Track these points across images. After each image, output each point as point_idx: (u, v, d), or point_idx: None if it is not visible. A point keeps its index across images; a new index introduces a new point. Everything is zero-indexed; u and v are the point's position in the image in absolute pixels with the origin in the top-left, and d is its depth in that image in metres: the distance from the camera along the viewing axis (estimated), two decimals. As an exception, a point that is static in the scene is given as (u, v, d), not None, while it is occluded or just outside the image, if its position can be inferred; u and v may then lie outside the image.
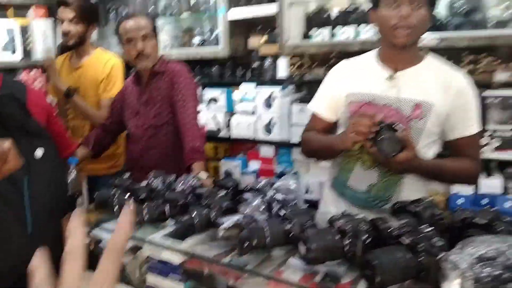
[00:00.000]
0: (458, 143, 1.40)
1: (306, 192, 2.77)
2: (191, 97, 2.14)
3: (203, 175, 1.85)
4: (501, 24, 2.06)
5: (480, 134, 1.41)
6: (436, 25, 2.22)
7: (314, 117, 1.62)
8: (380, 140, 1.23)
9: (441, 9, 2.31)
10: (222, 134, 3.11)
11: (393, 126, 1.24)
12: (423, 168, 1.35)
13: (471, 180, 1.51)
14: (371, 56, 1.50)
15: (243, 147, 3.31)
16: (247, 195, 1.49)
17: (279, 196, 1.40)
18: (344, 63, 1.56)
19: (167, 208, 1.47)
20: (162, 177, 1.72)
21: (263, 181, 1.62)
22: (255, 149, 3.16)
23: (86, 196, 1.93)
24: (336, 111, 1.56)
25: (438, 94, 1.36)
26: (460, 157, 1.40)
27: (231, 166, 3.10)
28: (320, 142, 1.53)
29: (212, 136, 3.19)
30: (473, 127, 1.38)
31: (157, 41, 2.22)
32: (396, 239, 0.98)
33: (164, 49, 3.36)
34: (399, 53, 1.38)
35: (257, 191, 1.54)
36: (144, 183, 1.67)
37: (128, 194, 1.60)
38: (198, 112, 2.17)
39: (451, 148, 1.44)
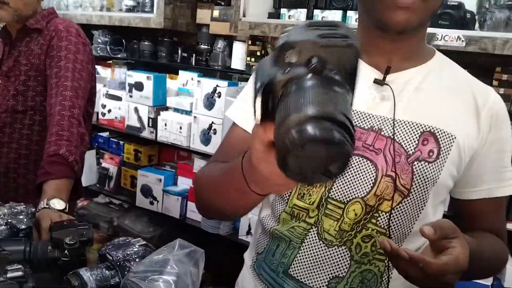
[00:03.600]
0: (480, 207, 0.86)
1: (248, 232, 1.99)
2: (72, 73, 1.40)
3: (57, 204, 1.13)
4: None
5: None
6: (461, 19, 1.48)
7: (231, 133, 0.88)
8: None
9: (469, 1, 1.58)
10: (145, 134, 2.28)
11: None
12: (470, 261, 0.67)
13: (500, 268, 0.96)
14: None
15: (176, 156, 2.50)
16: (84, 274, 0.82)
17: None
18: None
19: None
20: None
21: (133, 245, 0.84)
22: (188, 161, 2.35)
23: None
24: None
25: (462, 119, 0.80)
26: (483, 233, 0.86)
27: (152, 181, 2.27)
28: (213, 175, 0.77)
29: (133, 136, 2.36)
30: (510, 184, 0.85)
31: None
32: None
33: (84, 10, 2.50)
34: (392, 42, 0.79)
35: (111, 268, 0.78)
36: None
37: None
38: (81, 99, 1.39)
39: (462, 211, 0.89)
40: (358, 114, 0.79)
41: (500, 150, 0.82)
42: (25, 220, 1.00)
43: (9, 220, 0.99)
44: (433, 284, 0.64)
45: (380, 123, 0.78)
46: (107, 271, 0.82)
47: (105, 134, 2.59)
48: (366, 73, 0.80)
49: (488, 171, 0.82)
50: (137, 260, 0.84)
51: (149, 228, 2.28)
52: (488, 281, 1.42)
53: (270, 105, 0.44)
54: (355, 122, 0.79)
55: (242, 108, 0.87)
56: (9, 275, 0.71)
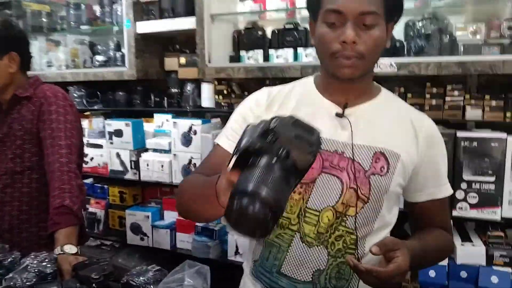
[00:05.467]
0: (426, 207, 1.10)
1: (236, 252, 2.17)
2: (65, 132, 1.57)
3: (70, 249, 1.30)
4: (473, 48, 1.65)
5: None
6: (393, 48, 1.78)
7: (213, 152, 1.11)
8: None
9: (398, 31, 1.88)
10: (129, 176, 2.45)
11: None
12: (414, 260, 0.93)
13: (446, 256, 1.25)
14: (307, 84, 1.11)
15: (159, 192, 2.67)
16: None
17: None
18: (269, 91, 1.12)
19: None
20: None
21: (149, 271, 1.03)
22: (172, 196, 2.53)
23: None
24: None
25: (404, 141, 1.04)
26: (431, 229, 1.10)
27: (140, 218, 2.43)
28: (192, 187, 0.96)
29: (117, 179, 2.53)
30: (447, 187, 1.10)
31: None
32: None
33: (59, 68, 2.68)
34: (346, 84, 1.03)
35: None
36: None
37: None
38: (75, 154, 1.56)
39: (414, 212, 1.13)
40: (325, 140, 1.01)
41: (437, 163, 1.07)
42: (49, 265, 1.17)
43: (37, 268, 1.15)
44: (387, 285, 0.88)
45: (342, 147, 1.01)
46: (133, 295, 1.01)
47: (89, 180, 2.73)
48: (329, 108, 1.04)
49: (429, 179, 1.07)
50: (154, 282, 1.03)
51: (143, 262, 2.43)
52: (445, 262, 1.68)
53: (242, 161, 0.61)
54: (323, 146, 1.01)
55: (227, 135, 1.09)
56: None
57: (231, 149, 1.00)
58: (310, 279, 1.02)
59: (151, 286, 1.00)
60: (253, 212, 0.53)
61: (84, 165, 2.60)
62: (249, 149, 0.60)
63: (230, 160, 0.64)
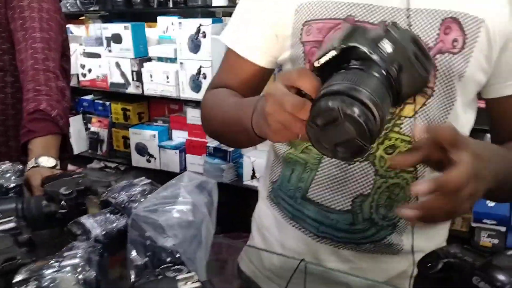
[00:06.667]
0: None
1: (252, 176, 1.91)
2: (40, 23, 1.28)
3: (47, 162, 1.05)
4: None
5: None
6: None
7: (231, 59, 0.83)
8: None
9: None
10: (131, 89, 2.15)
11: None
12: (499, 169, 0.58)
13: None
14: None
15: (167, 110, 2.39)
16: (86, 221, 0.72)
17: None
18: None
19: None
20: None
21: (135, 186, 0.75)
22: (180, 113, 2.25)
23: None
24: (274, 47, 0.78)
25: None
26: None
27: (146, 138, 2.17)
28: (223, 113, 0.79)
29: (117, 93, 2.24)
30: None
31: None
32: None
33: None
34: None
35: (116, 212, 0.70)
36: None
37: None
38: (54, 51, 1.30)
39: (495, 112, 0.76)
40: (365, 7, 0.68)
41: None
42: (13, 178, 0.91)
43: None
44: (457, 209, 0.50)
45: (393, 16, 0.67)
46: (112, 216, 0.74)
47: (89, 97, 2.46)
48: None
49: None
50: (140, 199, 0.76)
51: (150, 186, 2.21)
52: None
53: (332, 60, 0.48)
54: (362, 16, 0.68)
55: (236, 30, 0.80)
56: (0, 227, 0.63)
57: (249, 51, 0.78)
58: (349, 208, 0.73)
59: (136, 204, 0.73)
60: (350, 113, 0.43)
61: (83, 78, 2.34)
62: (354, 48, 0.47)
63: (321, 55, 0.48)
